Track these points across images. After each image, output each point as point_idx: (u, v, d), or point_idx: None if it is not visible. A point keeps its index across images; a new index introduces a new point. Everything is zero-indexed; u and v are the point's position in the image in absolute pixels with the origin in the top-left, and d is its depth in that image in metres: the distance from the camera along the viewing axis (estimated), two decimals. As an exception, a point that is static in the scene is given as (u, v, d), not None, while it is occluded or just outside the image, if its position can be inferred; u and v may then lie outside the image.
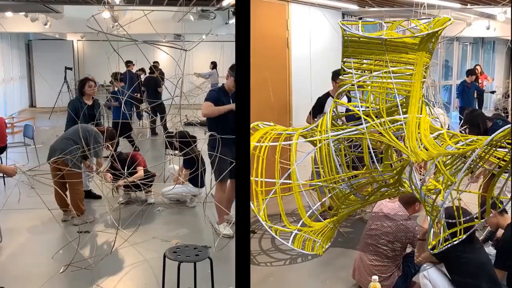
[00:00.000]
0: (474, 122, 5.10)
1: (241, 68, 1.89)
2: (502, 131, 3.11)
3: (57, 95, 13.49)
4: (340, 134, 4.41)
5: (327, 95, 5.80)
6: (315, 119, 5.73)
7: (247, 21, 1.87)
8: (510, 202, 4.81)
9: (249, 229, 2.04)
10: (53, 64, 15.90)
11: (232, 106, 5.25)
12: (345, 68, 4.52)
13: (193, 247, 3.94)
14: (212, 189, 5.55)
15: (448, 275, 3.73)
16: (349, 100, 5.94)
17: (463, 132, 5.15)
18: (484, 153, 3.37)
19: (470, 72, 11.17)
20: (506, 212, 4.09)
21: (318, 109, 5.80)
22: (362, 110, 4.34)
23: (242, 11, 1.88)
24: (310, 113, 5.85)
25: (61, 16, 11.67)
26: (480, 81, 12.39)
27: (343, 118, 5.72)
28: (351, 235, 5.45)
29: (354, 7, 7.51)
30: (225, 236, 5.39)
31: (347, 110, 5.78)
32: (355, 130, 4.33)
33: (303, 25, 7.02)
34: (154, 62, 14.01)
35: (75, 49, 17.90)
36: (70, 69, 14.90)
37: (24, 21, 11.64)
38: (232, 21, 13.02)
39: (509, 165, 4.50)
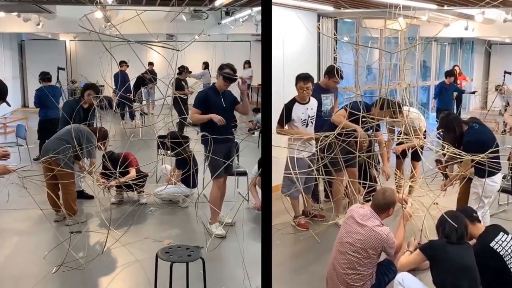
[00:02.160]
0: (450, 126, 4.92)
1: (265, 72, 1.91)
2: None
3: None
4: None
5: (293, 101, 5.61)
6: (285, 128, 5.61)
7: (269, 27, 1.88)
8: (483, 210, 4.80)
9: (270, 225, 2.08)
10: (46, 65, 15.64)
11: (209, 116, 5.26)
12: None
13: (186, 247, 3.95)
14: (204, 190, 5.55)
15: (431, 274, 3.67)
16: (320, 104, 5.94)
17: (439, 135, 5.05)
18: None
19: (449, 74, 11.16)
20: (479, 221, 4.00)
21: (286, 117, 5.56)
22: None
23: (266, 18, 1.89)
24: (278, 122, 5.61)
25: (54, 16, 11.62)
26: (458, 81, 12.43)
27: (314, 122, 5.71)
28: (325, 241, 5.35)
29: (329, 8, 7.41)
30: (218, 236, 5.41)
31: (317, 114, 5.78)
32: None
33: (277, 27, 6.90)
34: (149, 63, 14.02)
35: (68, 49, 17.82)
36: (63, 69, 14.80)
37: (16, 21, 11.57)
38: (224, 21, 13.00)
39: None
